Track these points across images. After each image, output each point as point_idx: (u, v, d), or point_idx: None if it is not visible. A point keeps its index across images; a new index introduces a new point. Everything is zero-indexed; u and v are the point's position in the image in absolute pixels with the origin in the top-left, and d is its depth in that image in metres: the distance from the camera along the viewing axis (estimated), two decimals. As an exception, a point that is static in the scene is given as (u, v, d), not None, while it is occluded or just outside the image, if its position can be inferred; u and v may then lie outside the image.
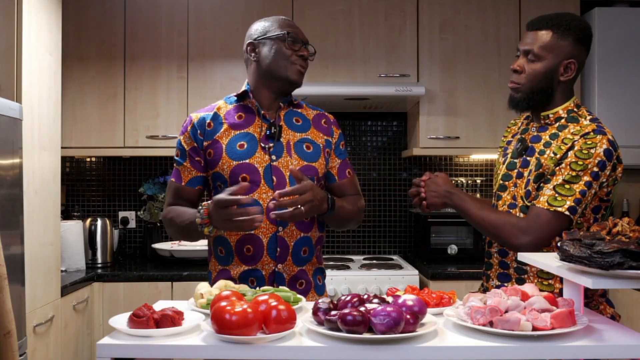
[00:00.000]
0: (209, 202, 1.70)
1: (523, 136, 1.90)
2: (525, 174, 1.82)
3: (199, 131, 1.89)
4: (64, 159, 3.26)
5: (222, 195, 1.65)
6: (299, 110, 1.97)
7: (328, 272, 3.06)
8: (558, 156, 1.74)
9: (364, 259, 3.49)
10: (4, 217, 2.06)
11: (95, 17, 3.30)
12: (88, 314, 2.95)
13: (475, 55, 3.34)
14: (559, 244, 1.41)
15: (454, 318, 1.35)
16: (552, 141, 1.79)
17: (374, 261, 3.40)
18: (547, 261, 1.48)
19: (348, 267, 3.20)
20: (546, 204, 1.71)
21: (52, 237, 2.59)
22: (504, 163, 1.92)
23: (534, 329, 1.26)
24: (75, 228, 3.08)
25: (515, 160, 1.88)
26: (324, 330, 1.26)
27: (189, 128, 1.90)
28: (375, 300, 1.35)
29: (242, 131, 1.88)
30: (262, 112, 1.89)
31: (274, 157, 1.85)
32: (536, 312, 1.29)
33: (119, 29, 3.30)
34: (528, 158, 1.83)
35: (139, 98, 3.31)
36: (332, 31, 3.32)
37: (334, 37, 3.32)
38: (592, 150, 1.71)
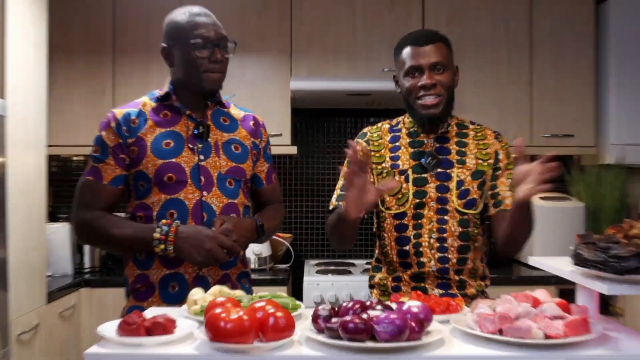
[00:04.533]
0: (176, 222, 1.77)
1: (426, 150, 1.94)
2: (452, 185, 1.90)
3: (124, 127, 1.86)
4: (50, 158, 3.25)
5: (225, 238, 1.74)
6: (226, 110, 2.00)
7: (329, 276, 3.07)
8: (491, 161, 1.92)
9: (367, 264, 3.49)
10: (-13, 219, 2.06)
11: (82, 8, 3.29)
12: (75, 321, 2.95)
13: (484, 48, 3.34)
14: (571, 248, 1.41)
15: (461, 326, 1.35)
16: (463, 149, 1.93)
17: (377, 266, 3.39)
18: (560, 266, 1.48)
19: (349, 272, 3.20)
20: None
21: (38, 240, 2.59)
22: (407, 181, 1.93)
23: (546, 337, 1.26)
24: (61, 231, 3.08)
25: (424, 176, 1.91)
26: (324, 339, 1.26)
27: (112, 124, 1.87)
28: (379, 307, 1.35)
29: (168, 129, 1.88)
30: (188, 112, 1.90)
31: (201, 157, 1.87)
32: (548, 320, 1.28)
33: (108, 21, 3.30)
34: (448, 171, 1.91)
35: (130, 94, 3.29)
36: (333, 23, 3.32)
37: (334, 29, 3.31)
38: (510, 149, 1.93)
